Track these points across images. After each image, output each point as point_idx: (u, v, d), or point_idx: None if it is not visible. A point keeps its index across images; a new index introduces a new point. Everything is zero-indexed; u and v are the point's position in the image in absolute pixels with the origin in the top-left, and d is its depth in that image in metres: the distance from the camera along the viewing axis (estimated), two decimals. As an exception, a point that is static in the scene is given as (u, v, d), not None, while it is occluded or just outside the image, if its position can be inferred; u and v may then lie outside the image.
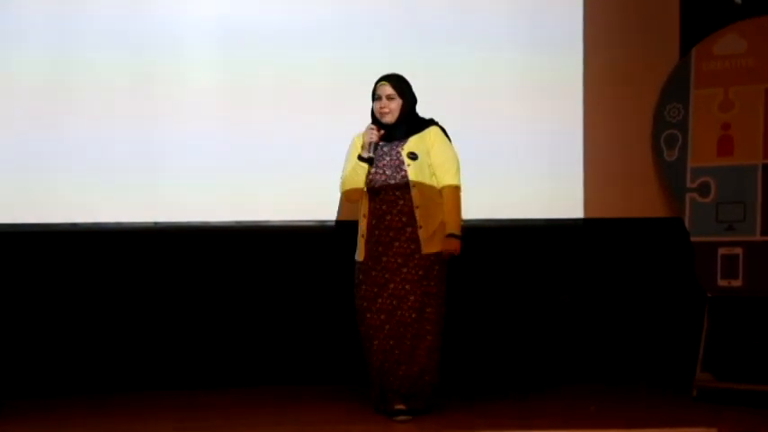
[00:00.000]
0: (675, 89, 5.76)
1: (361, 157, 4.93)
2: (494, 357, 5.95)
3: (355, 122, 5.10)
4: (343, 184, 5.04)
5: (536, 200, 5.83)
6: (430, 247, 4.90)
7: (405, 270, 4.87)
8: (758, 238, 5.39)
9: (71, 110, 5.50)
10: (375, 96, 5.00)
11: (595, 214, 5.88)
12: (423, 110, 5.09)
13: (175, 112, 5.58)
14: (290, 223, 5.64)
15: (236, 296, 5.79)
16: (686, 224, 5.62)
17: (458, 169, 4.98)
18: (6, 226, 5.49)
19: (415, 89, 5.06)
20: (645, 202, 5.89)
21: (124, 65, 5.54)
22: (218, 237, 5.71)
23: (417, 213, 4.90)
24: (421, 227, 4.89)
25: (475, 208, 5.67)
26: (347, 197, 5.08)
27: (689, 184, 5.64)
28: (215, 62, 5.63)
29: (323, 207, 5.58)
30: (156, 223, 5.60)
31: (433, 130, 5.01)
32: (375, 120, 5.00)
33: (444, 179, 4.96)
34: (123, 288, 5.70)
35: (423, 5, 5.77)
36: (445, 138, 5.02)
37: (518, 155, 5.80)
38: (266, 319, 5.80)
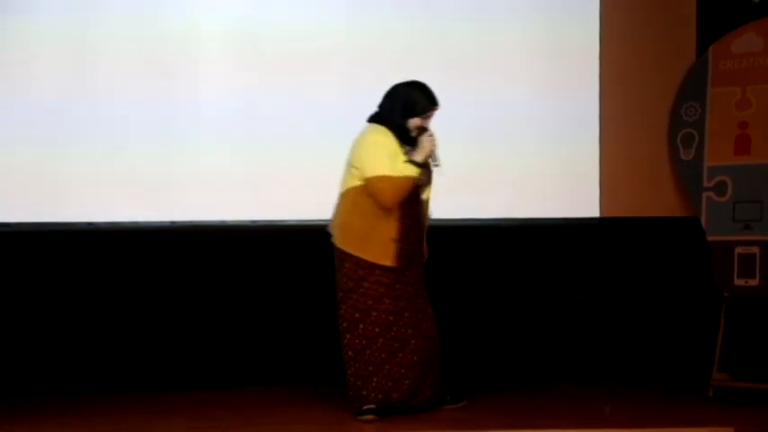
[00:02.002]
0: (692, 88, 5.75)
1: (416, 162, 4.81)
2: (509, 356, 5.94)
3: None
4: (401, 187, 4.77)
5: (552, 199, 5.84)
6: None
7: (422, 273, 5.00)
8: (775, 237, 5.40)
9: (88, 110, 5.53)
10: (422, 115, 4.85)
11: (611, 214, 5.88)
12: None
13: (193, 113, 5.61)
14: (308, 223, 5.64)
15: (252, 295, 5.80)
16: (703, 223, 5.60)
17: None
18: (23, 225, 5.52)
19: None
20: (661, 202, 5.88)
21: (142, 62, 5.57)
22: (235, 236, 5.72)
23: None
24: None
25: (491, 207, 5.68)
26: (397, 201, 4.79)
27: (705, 184, 5.63)
28: (232, 59, 5.67)
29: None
30: (172, 222, 5.62)
31: None
32: (406, 131, 4.87)
33: None
34: (139, 287, 5.71)
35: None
36: None
37: (534, 154, 5.81)
38: (283, 318, 5.81)
